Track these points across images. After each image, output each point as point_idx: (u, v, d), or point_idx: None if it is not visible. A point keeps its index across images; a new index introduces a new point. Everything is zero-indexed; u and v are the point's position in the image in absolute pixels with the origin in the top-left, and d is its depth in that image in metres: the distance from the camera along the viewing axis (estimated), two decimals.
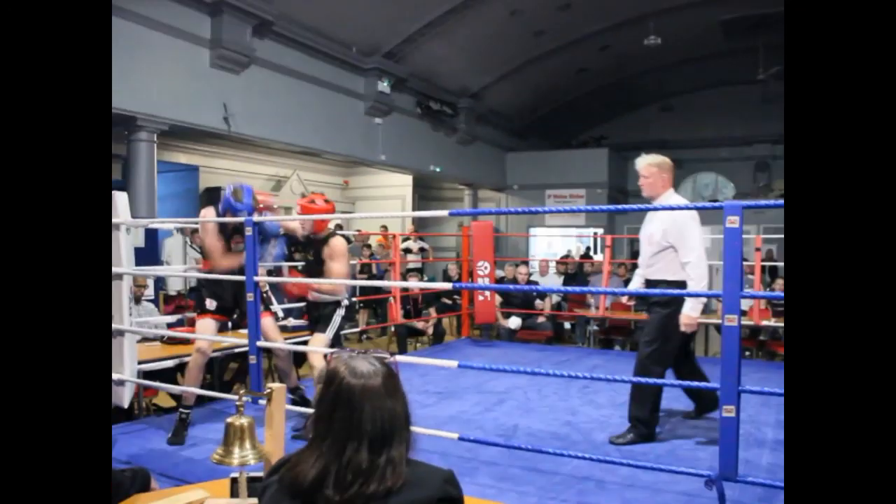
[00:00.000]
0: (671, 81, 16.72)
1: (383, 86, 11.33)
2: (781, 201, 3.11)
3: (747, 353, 7.59)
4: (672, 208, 3.80)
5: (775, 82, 14.44)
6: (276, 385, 2.08)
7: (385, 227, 12.26)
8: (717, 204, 2.82)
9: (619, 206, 3.32)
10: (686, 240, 3.85)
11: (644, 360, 3.94)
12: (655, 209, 3.72)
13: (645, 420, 3.96)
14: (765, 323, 7.00)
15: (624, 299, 5.52)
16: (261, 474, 1.94)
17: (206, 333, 4.15)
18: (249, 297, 3.84)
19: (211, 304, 4.20)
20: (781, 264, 10.78)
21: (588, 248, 14.59)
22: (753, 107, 16.56)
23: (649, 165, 4.08)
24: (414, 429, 1.42)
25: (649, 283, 4.05)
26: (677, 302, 3.83)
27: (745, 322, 6.38)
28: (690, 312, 3.79)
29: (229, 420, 1.90)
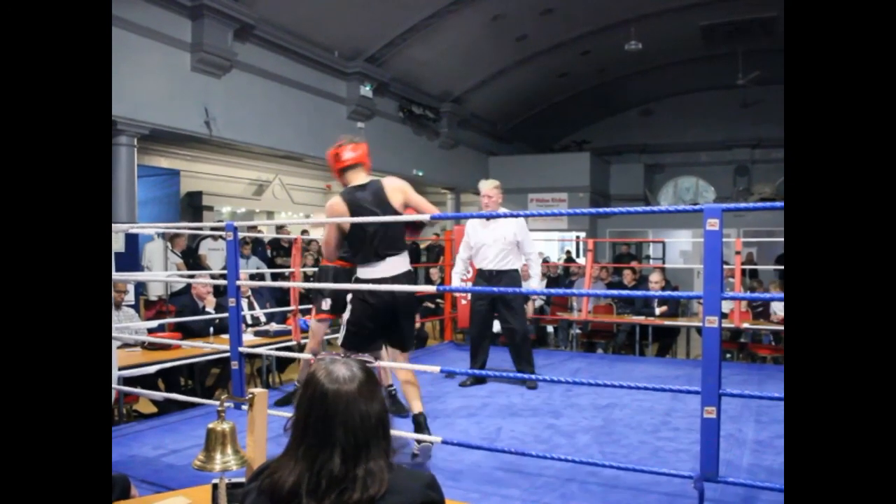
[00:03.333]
0: (652, 86, 16.87)
1: (366, 90, 11.33)
2: (761, 204, 3.16)
3: (728, 356, 7.65)
4: (656, 210, 3.83)
5: (754, 87, 14.63)
6: (257, 390, 2.07)
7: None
8: (697, 207, 2.84)
9: (602, 210, 3.36)
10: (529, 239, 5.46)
11: None
12: (637, 212, 3.73)
13: None
14: (745, 325, 7.06)
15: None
16: (243, 480, 1.93)
17: (318, 335, 4.60)
18: (231, 301, 3.82)
19: (326, 304, 4.44)
20: (761, 267, 10.90)
21: (569, 252, 14.65)
22: (733, 111, 16.77)
23: (495, 188, 5.28)
24: (397, 433, 1.41)
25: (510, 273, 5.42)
26: None
27: (725, 325, 6.44)
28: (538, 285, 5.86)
29: (211, 426, 1.88)
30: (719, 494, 2.99)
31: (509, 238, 5.33)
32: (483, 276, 5.43)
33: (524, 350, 5.47)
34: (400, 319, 3.55)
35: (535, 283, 5.60)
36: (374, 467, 1.30)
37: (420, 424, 3.49)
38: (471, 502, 3.02)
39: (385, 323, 3.53)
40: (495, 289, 4.66)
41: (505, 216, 3.93)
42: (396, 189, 3.51)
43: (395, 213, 3.46)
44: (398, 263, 3.52)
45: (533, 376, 4.30)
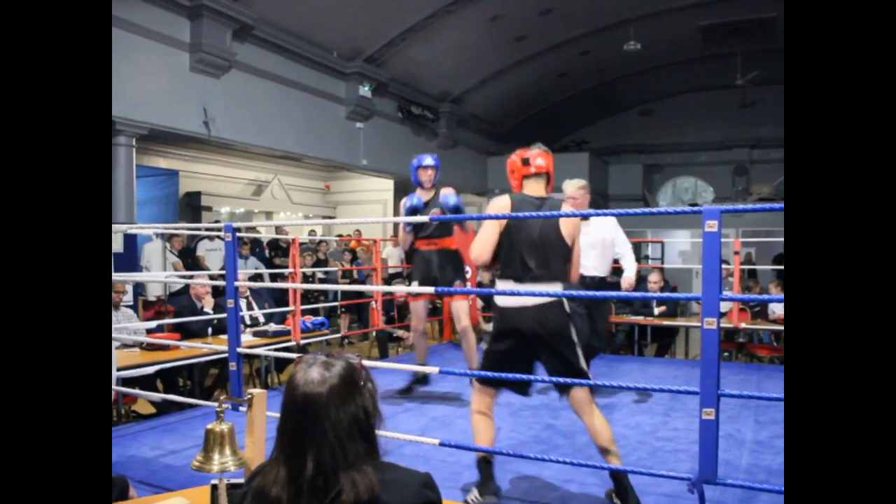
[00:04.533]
0: (651, 86, 16.86)
1: (364, 90, 11.32)
2: (759, 206, 3.17)
3: (726, 355, 7.66)
4: (653, 212, 3.83)
5: (753, 88, 14.64)
6: (256, 391, 2.07)
7: (359, 232, 12.18)
8: (696, 208, 2.84)
9: (602, 211, 3.37)
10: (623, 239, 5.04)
11: None
12: (637, 214, 3.71)
13: None
14: (743, 325, 7.06)
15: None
16: (241, 481, 1.93)
17: (420, 314, 5.17)
18: (230, 302, 3.82)
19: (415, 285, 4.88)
20: (760, 267, 10.90)
21: None
22: (731, 112, 16.77)
23: (579, 188, 4.79)
24: (394, 434, 1.40)
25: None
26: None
27: (724, 324, 6.44)
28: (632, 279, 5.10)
29: (209, 426, 1.88)
30: (718, 495, 2.99)
31: (608, 239, 4.94)
32: (580, 283, 4.51)
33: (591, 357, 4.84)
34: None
35: (629, 276, 5.08)
36: (358, 474, 1.27)
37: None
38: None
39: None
40: (477, 290, 4.63)
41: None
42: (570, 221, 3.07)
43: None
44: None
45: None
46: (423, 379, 5.10)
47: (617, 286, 5.05)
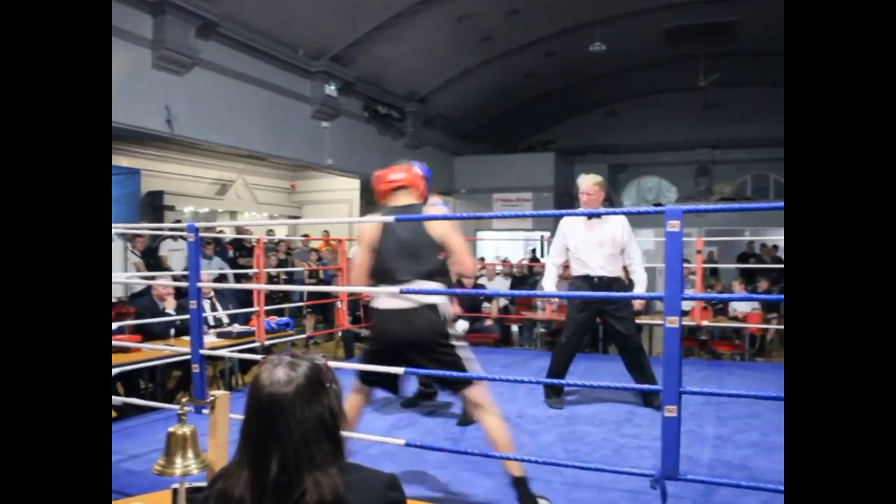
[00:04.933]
0: (616, 87, 17.05)
1: (330, 89, 11.25)
2: (720, 206, 3.23)
3: (690, 353, 7.78)
4: (616, 212, 3.88)
5: (715, 90, 14.90)
6: (219, 392, 2.05)
7: (327, 233, 12.13)
8: (658, 208, 2.88)
9: (567, 211, 3.42)
10: (634, 242, 4.72)
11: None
12: (599, 214, 3.78)
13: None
14: (705, 323, 7.18)
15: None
16: (204, 484, 1.90)
17: None
18: (192, 303, 3.77)
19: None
20: (722, 266, 11.08)
21: (534, 251, 14.74)
22: (694, 113, 17.04)
23: (594, 184, 4.58)
24: (359, 435, 1.40)
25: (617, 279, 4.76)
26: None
27: (686, 322, 6.54)
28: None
29: (171, 429, 1.86)
30: (680, 490, 3.03)
31: (618, 240, 4.68)
32: (587, 283, 4.73)
33: (643, 359, 4.78)
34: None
35: (640, 289, 4.76)
36: (322, 475, 1.26)
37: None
38: (435, 503, 3.03)
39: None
40: (444, 291, 4.57)
41: (599, 214, 3.84)
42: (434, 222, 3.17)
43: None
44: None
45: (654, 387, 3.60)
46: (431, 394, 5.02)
47: (631, 289, 4.85)
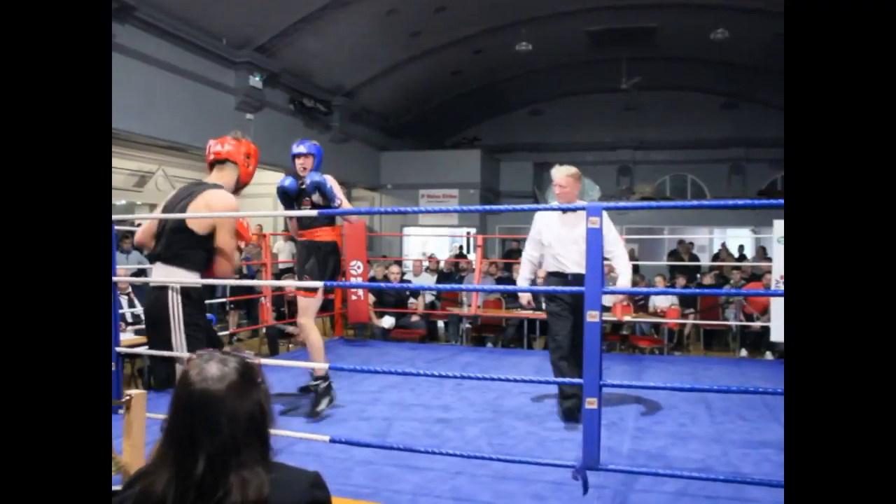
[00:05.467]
0: (541, 87, 17.32)
1: (255, 80, 11.00)
2: (640, 203, 3.34)
3: (612, 348, 8.00)
4: (538, 209, 3.95)
5: (637, 92, 15.35)
6: (135, 392, 1.98)
7: (260, 227, 11.92)
8: (580, 205, 2.95)
9: (493, 207, 3.41)
10: (613, 237, 4.37)
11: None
12: (524, 210, 3.80)
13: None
14: (627, 318, 7.39)
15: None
16: (119, 488, 1.83)
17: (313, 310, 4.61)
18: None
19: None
20: (643, 263, 11.41)
21: (461, 248, 14.85)
22: (617, 114, 17.50)
23: (567, 176, 4.38)
24: (284, 432, 1.37)
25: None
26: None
27: (607, 318, 6.71)
28: (624, 300, 4.08)
29: None
30: (602, 480, 3.11)
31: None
32: (561, 280, 4.43)
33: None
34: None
35: (625, 285, 4.44)
36: (249, 474, 1.23)
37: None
38: (361, 499, 3.01)
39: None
40: (368, 286, 4.55)
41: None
42: (204, 205, 3.15)
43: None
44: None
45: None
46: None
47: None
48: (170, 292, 3.10)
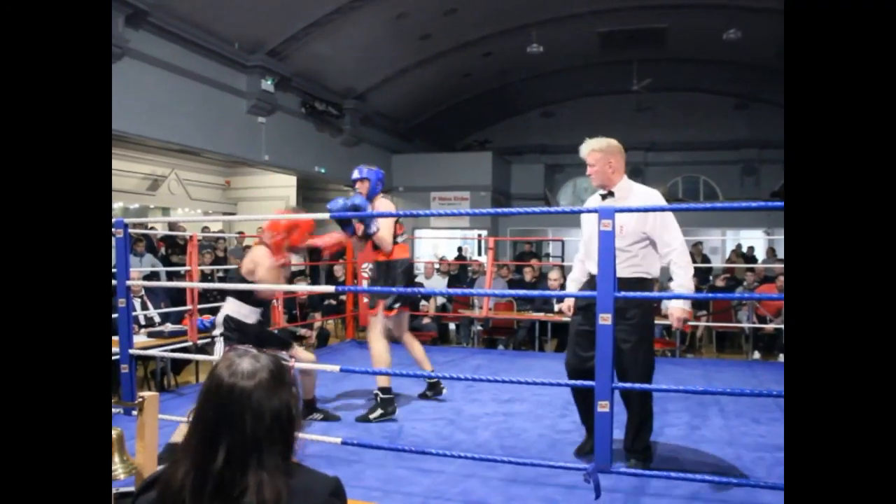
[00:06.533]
0: (552, 88, 17.29)
1: (267, 84, 11.05)
2: (650, 206, 3.30)
3: None
4: (549, 212, 3.93)
5: (647, 93, 15.30)
6: (148, 394, 1.99)
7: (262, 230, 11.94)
8: (592, 208, 2.94)
9: (504, 210, 3.37)
10: (667, 229, 3.41)
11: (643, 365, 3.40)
12: (536, 212, 3.73)
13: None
14: (689, 324, 7.34)
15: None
16: (132, 489, 1.85)
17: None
18: (121, 302, 3.66)
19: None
20: None
21: (460, 249, 14.85)
22: (628, 115, 17.43)
23: (593, 151, 3.54)
24: (302, 435, 1.36)
25: (621, 281, 3.18)
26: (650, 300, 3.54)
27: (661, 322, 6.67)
28: (684, 306, 3.38)
29: None
30: (614, 483, 3.10)
31: (630, 229, 3.39)
32: (588, 284, 3.64)
33: (642, 408, 3.45)
34: None
35: (679, 302, 3.41)
36: (268, 476, 1.22)
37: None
38: (373, 501, 3.02)
39: None
40: (380, 290, 4.49)
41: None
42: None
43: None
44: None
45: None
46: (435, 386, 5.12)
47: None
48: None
